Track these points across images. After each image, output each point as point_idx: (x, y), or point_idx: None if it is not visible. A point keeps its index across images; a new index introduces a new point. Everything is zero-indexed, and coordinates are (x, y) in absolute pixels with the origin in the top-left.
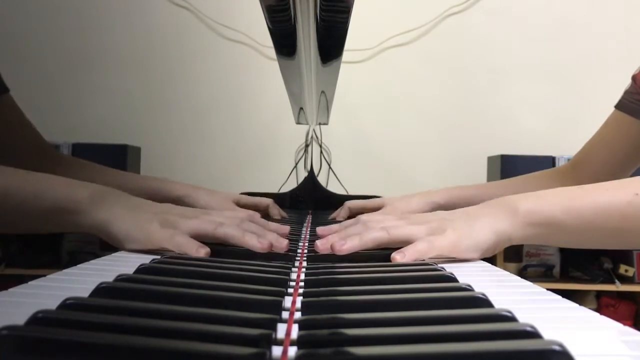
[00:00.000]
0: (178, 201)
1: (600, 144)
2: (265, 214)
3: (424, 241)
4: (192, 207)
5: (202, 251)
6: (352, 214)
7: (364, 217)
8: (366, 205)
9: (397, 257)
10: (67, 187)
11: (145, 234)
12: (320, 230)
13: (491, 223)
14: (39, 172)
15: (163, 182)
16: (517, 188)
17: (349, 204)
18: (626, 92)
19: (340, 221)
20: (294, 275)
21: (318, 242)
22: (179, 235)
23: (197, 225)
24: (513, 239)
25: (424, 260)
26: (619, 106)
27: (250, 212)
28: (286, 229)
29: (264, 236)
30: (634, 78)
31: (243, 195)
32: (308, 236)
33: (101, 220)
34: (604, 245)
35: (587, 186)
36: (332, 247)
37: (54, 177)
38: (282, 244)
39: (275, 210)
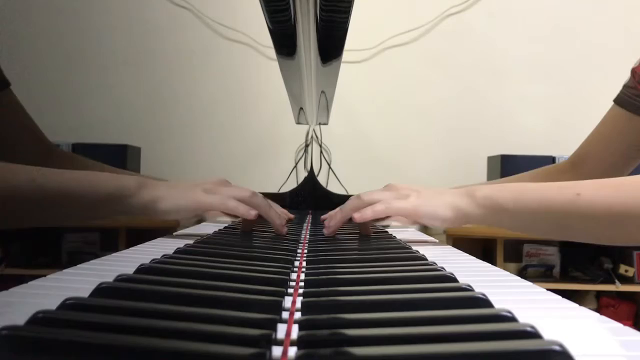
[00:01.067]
0: None
1: (598, 140)
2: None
3: (383, 203)
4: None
5: (253, 212)
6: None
7: (356, 196)
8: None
9: (355, 215)
10: (116, 178)
11: (194, 201)
12: (322, 218)
13: (451, 200)
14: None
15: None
16: None
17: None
18: (625, 87)
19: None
20: (294, 275)
21: (325, 231)
22: (229, 199)
23: (235, 192)
24: (469, 216)
25: (384, 226)
26: (618, 101)
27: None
28: (288, 216)
29: (281, 217)
30: (633, 71)
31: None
32: (308, 236)
33: (149, 200)
34: (550, 236)
35: (543, 183)
36: (324, 230)
37: (100, 172)
38: (284, 230)
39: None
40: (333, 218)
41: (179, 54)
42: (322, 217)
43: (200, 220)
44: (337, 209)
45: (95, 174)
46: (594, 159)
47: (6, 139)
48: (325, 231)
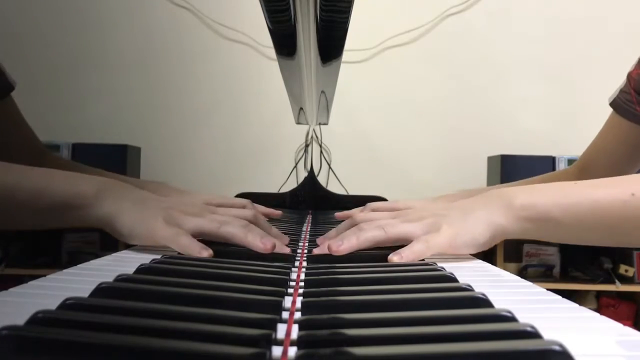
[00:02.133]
0: None
1: (602, 147)
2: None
3: (421, 241)
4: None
5: (205, 253)
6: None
7: (359, 217)
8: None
9: (395, 258)
10: (72, 182)
11: (149, 230)
12: (319, 240)
13: (486, 217)
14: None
15: (158, 187)
16: None
17: (372, 206)
18: (621, 91)
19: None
20: (294, 275)
21: (315, 250)
22: (183, 235)
23: (200, 224)
24: (508, 233)
25: (422, 260)
26: (614, 106)
27: (257, 211)
28: (286, 239)
29: (267, 237)
30: (629, 76)
31: (215, 196)
32: (308, 236)
33: (106, 214)
34: (600, 243)
35: (583, 182)
36: (329, 247)
37: (58, 172)
38: (283, 251)
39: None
40: (345, 244)
41: (180, 54)
42: (319, 240)
43: None
44: (352, 232)
45: (52, 175)
46: (601, 165)
47: (2, 144)
48: (330, 249)
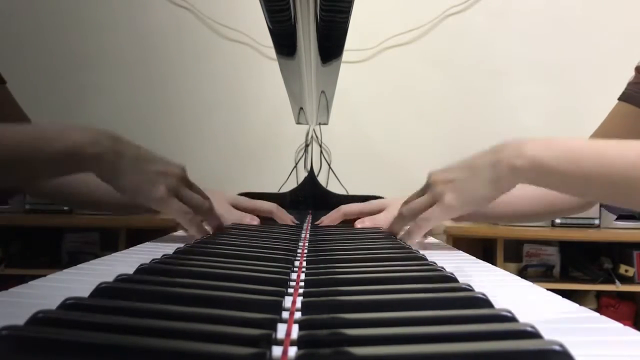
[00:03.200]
0: None
1: (605, 138)
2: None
3: (415, 227)
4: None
5: (255, 221)
6: (348, 220)
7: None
8: (363, 209)
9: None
10: (70, 132)
11: (156, 199)
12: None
13: (490, 172)
14: None
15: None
16: (528, 187)
17: (345, 209)
18: (630, 84)
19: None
20: (294, 275)
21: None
22: (184, 214)
23: (194, 201)
24: (510, 183)
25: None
26: (624, 98)
27: (251, 216)
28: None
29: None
30: (637, 69)
31: (244, 199)
32: (308, 236)
33: (106, 168)
34: (605, 201)
35: (597, 141)
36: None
37: (54, 123)
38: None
39: (282, 216)
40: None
41: (179, 54)
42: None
43: None
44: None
45: (45, 127)
46: None
47: None
48: (358, 224)
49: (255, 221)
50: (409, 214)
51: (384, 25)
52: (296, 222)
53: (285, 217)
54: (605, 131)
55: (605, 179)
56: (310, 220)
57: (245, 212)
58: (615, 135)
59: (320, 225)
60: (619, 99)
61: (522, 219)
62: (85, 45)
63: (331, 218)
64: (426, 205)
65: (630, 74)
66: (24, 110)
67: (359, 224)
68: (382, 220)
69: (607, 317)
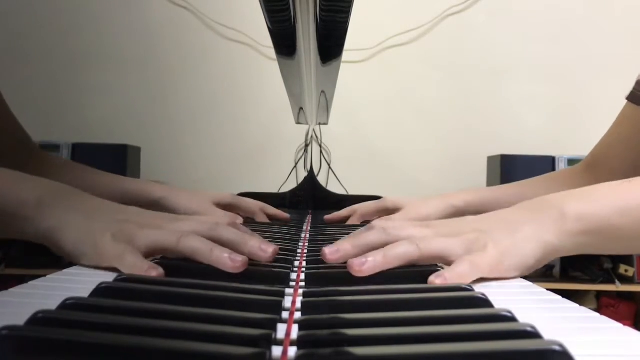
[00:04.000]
0: (158, 203)
1: (616, 140)
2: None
3: (465, 262)
4: (167, 211)
5: (154, 272)
6: (364, 221)
7: (379, 223)
8: (379, 207)
9: (437, 281)
10: (12, 186)
11: (95, 248)
12: (330, 251)
13: (536, 233)
14: (21, 170)
15: (144, 184)
16: (537, 190)
17: (361, 209)
18: (638, 83)
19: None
20: (294, 276)
21: (326, 250)
22: (130, 253)
23: (156, 237)
24: (560, 251)
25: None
26: (632, 98)
27: (232, 215)
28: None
29: (242, 245)
30: None
31: (227, 195)
32: (308, 236)
33: (48, 228)
34: None
35: (635, 180)
36: (349, 266)
37: (1, 173)
38: (267, 251)
39: (270, 211)
40: (370, 264)
41: (179, 54)
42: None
43: None
44: (379, 253)
45: None
46: (613, 160)
47: None
48: (328, 256)
49: (239, 221)
50: (429, 253)
51: (384, 25)
52: (288, 215)
53: (275, 211)
54: (616, 133)
55: None
56: (311, 220)
57: (230, 209)
58: (627, 138)
59: (328, 220)
60: (629, 99)
61: None
62: (85, 45)
63: (340, 215)
64: (459, 250)
65: (630, 73)
66: (26, 111)
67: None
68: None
69: (607, 317)
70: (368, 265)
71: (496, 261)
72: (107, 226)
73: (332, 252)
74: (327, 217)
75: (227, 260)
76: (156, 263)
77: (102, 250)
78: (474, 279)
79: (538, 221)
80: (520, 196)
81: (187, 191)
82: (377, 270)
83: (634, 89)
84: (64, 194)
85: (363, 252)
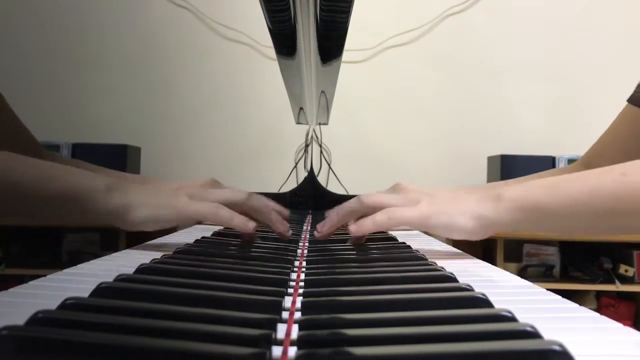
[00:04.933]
0: None
1: (613, 141)
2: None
3: (386, 212)
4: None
5: (251, 225)
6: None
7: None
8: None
9: (352, 228)
10: (80, 175)
11: (178, 210)
12: (318, 225)
13: (473, 208)
14: None
15: (152, 180)
16: None
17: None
18: (639, 86)
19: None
20: (294, 275)
21: (317, 226)
22: (221, 207)
23: (228, 195)
24: (497, 224)
25: (386, 232)
26: (633, 100)
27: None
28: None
29: (267, 214)
30: None
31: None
32: (308, 236)
33: (118, 206)
34: (595, 229)
35: (575, 173)
36: (316, 231)
37: (66, 166)
38: (288, 234)
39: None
40: (327, 222)
41: (180, 54)
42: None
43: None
44: (334, 210)
45: (56, 166)
46: (609, 160)
47: None
48: (315, 234)
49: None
50: (372, 202)
51: (383, 25)
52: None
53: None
54: (613, 134)
55: (592, 204)
56: (311, 220)
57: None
58: (623, 139)
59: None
60: (628, 101)
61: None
62: (86, 46)
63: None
64: (395, 203)
65: (630, 73)
66: (26, 111)
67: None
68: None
69: (607, 317)
70: (325, 225)
71: (423, 216)
72: (177, 193)
73: (321, 225)
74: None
75: (280, 224)
76: (157, 262)
77: (187, 209)
78: (392, 227)
79: (477, 199)
80: None
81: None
82: (334, 227)
83: (635, 91)
84: (127, 180)
85: (346, 220)
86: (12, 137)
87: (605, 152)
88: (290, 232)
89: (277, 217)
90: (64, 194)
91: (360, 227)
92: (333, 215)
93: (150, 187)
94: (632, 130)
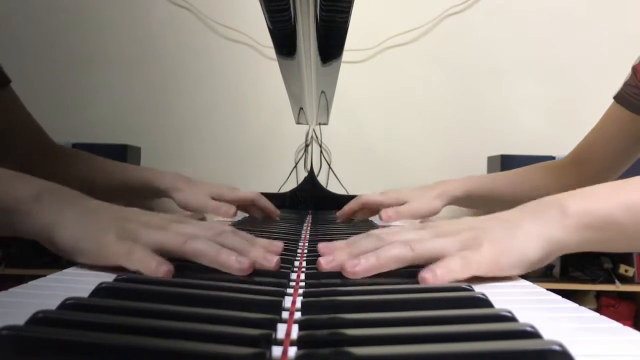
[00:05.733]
0: (163, 194)
1: (600, 138)
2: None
3: (458, 258)
4: (167, 211)
5: (163, 269)
6: (366, 212)
7: (376, 231)
8: (384, 201)
9: (428, 276)
10: (9, 183)
11: (97, 246)
12: (322, 247)
13: (537, 230)
14: (40, 167)
15: (154, 172)
16: (526, 179)
17: (365, 198)
18: (625, 84)
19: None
20: (294, 275)
21: (322, 260)
22: (138, 249)
23: (161, 237)
24: (565, 247)
25: (458, 281)
26: (618, 99)
27: (231, 228)
28: (279, 245)
29: (246, 253)
30: (634, 69)
31: (225, 190)
32: (308, 236)
33: (45, 224)
34: None
35: (634, 179)
36: (343, 268)
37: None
38: (271, 262)
39: (262, 203)
40: (362, 267)
41: (179, 54)
42: (322, 247)
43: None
44: (348, 240)
45: None
46: (597, 156)
47: (4, 135)
48: (323, 265)
49: (232, 210)
50: (424, 253)
51: (384, 25)
52: (278, 212)
53: (268, 204)
54: (600, 131)
55: None
56: (311, 220)
57: (230, 203)
58: (609, 136)
59: (340, 216)
60: (615, 98)
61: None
62: (86, 45)
63: (350, 207)
64: (451, 248)
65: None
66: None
67: (384, 215)
68: (407, 213)
69: (607, 317)
70: (361, 266)
71: (492, 259)
72: (108, 224)
73: (328, 262)
74: (339, 213)
75: (234, 263)
76: None
77: (106, 248)
78: (467, 276)
79: (539, 218)
80: (512, 185)
81: (190, 185)
82: (371, 273)
83: (621, 89)
84: (62, 192)
85: (389, 267)
86: (20, 129)
87: (593, 150)
88: (249, 265)
89: (229, 257)
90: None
91: (438, 278)
92: (372, 259)
93: (92, 206)
94: (618, 128)
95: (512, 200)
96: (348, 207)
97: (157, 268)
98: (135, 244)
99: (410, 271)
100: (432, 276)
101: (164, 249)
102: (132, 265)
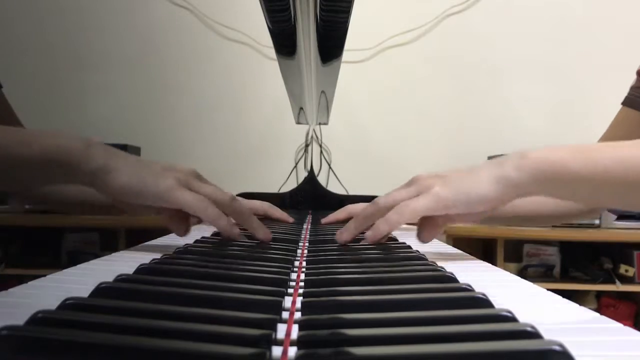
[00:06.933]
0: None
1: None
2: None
3: (395, 209)
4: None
5: (236, 232)
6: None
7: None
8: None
9: (368, 235)
10: (55, 135)
11: (161, 189)
12: (337, 234)
13: (491, 171)
14: None
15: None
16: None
17: (351, 209)
18: (632, 88)
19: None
20: (294, 275)
21: (337, 235)
22: (211, 206)
23: (218, 194)
24: (518, 185)
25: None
26: (627, 103)
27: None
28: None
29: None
30: (638, 73)
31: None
32: (308, 236)
33: (99, 166)
34: (622, 203)
35: (602, 143)
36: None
37: (45, 130)
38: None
39: (277, 216)
40: (345, 231)
41: (179, 54)
42: (325, 220)
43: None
44: (351, 221)
45: (34, 131)
46: None
47: None
48: (337, 239)
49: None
50: (385, 202)
51: (384, 25)
52: (292, 219)
53: (280, 214)
54: (611, 137)
55: (624, 174)
56: (311, 220)
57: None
58: (620, 140)
59: (324, 222)
60: (623, 103)
61: (525, 222)
62: (86, 45)
63: (336, 216)
64: (409, 196)
65: (630, 73)
66: (26, 110)
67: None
68: (396, 224)
69: (607, 317)
70: (342, 232)
71: (439, 199)
72: (164, 172)
73: (340, 232)
74: (324, 220)
75: (260, 231)
76: (157, 262)
77: (173, 192)
78: (406, 221)
79: (498, 163)
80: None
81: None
82: (352, 236)
83: (629, 93)
84: (106, 145)
85: (365, 226)
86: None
87: None
88: (270, 236)
89: (259, 223)
90: (45, 154)
91: (376, 232)
92: (350, 225)
93: (135, 158)
94: (630, 132)
95: (514, 216)
96: (334, 217)
97: (231, 229)
98: (200, 196)
99: (413, 276)
100: (372, 233)
101: (217, 202)
102: (207, 217)
